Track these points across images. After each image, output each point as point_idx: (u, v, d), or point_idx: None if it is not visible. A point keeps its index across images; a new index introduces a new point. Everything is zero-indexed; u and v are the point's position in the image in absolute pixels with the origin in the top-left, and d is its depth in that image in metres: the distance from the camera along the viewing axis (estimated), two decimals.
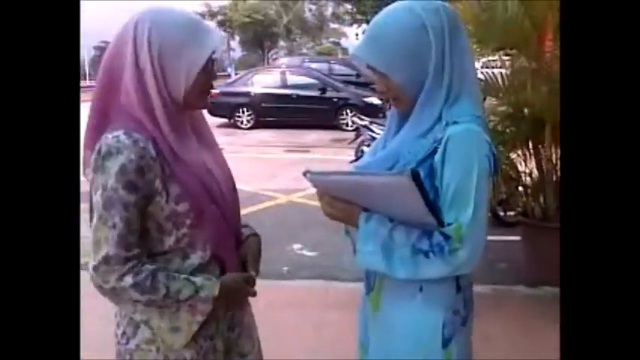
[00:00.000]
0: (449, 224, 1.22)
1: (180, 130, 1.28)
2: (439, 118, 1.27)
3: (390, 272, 1.26)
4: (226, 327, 1.38)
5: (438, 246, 1.22)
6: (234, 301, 1.38)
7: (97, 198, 1.20)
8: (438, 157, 1.23)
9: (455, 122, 1.24)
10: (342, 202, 1.31)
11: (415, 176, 1.17)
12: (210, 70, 1.30)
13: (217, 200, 1.31)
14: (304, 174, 1.30)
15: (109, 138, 1.20)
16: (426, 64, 1.26)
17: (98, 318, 1.68)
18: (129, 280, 1.20)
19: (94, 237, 1.20)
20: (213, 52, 1.28)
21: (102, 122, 1.25)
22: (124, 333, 1.30)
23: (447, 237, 1.22)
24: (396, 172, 1.24)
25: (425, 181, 1.21)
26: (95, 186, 1.21)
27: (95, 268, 1.20)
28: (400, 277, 1.26)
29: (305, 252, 4.77)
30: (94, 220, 1.21)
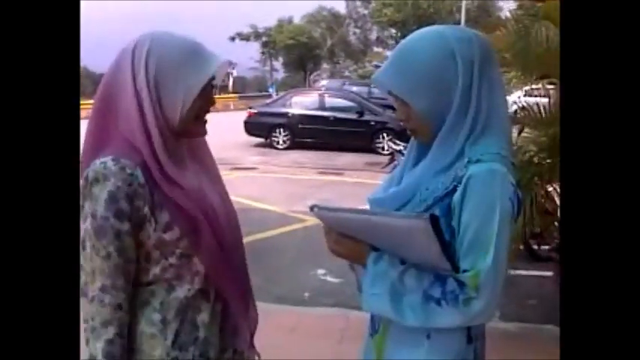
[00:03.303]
0: (465, 271, 1.12)
1: (177, 157, 1.23)
2: (461, 154, 1.17)
3: (398, 318, 1.17)
4: None
5: (451, 294, 1.12)
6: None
7: (87, 226, 1.16)
8: (457, 196, 1.14)
9: (478, 160, 1.15)
10: (350, 240, 1.23)
11: (434, 222, 1.08)
12: (208, 96, 1.26)
13: (215, 230, 1.25)
14: (311, 208, 1.22)
15: (96, 164, 1.16)
16: (450, 95, 1.17)
17: None
18: (112, 330, 1.16)
19: (89, 267, 1.16)
20: (213, 78, 1.24)
21: (97, 146, 1.21)
22: None
23: (461, 285, 1.12)
24: (413, 215, 1.15)
25: (441, 220, 1.12)
26: (85, 213, 1.17)
27: (92, 299, 1.16)
28: (409, 325, 1.16)
29: (329, 278, 4.66)
30: (87, 249, 1.16)
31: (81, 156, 1.23)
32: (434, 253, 1.12)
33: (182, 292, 1.23)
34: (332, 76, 42.30)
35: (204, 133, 1.31)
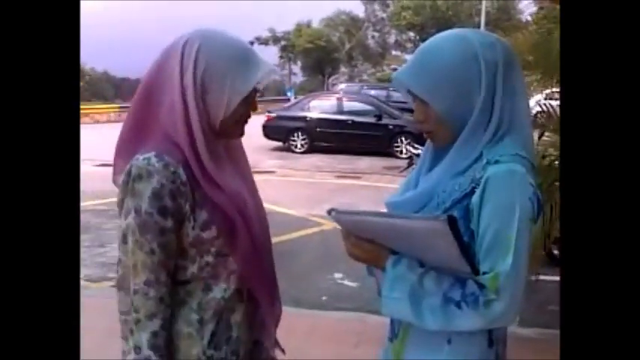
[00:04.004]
0: (485, 273, 1.11)
1: (216, 156, 1.24)
2: (480, 156, 1.17)
3: (418, 322, 1.16)
4: None
5: (471, 296, 1.11)
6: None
7: (130, 221, 1.17)
8: (475, 198, 1.13)
9: (496, 161, 1.14)
10: (368, 243, 1.22)
11: (452, 223, 1.07)
12: (251, 101, 1.27)
13: (249, 231, 1.26)
14: (329, 212, 1.22)
15: (139, 160, 1.17)
16: (471, 98, 1.17)
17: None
18: (157, 322, 1.18)
19: (131, 261, 1.18)
20: (258, 83, 1.24)
21: (136, 140, 1.22)
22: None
23: (481, 287, 1.11)
24: (431, 217, 1.14)
25: (459, 222, 1.11)
26: (126, 208, 1.18)
27: (136, 292, 1.18)
28: (429, 328, 1.15)
29: (346, 282, 4.65)
30: (130, 243, 1.18)
31: (115, 149, 1.25)
32: (453, 254, 1.11)
33: (219, 292, 1.25)
34: (350, 79, 42.33)
35: (242, 134, 1.32)
